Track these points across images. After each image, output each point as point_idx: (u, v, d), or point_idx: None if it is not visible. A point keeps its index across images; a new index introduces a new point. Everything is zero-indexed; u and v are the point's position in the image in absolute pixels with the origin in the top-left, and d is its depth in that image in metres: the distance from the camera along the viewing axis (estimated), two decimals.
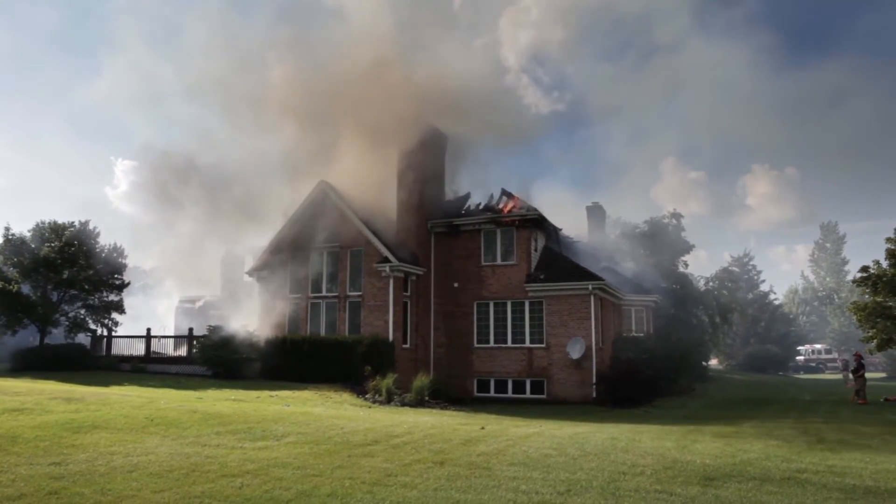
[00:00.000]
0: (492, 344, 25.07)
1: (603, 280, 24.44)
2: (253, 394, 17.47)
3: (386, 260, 23.56)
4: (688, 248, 38.23)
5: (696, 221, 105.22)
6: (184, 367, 23.51)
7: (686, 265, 38.97)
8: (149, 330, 25.87)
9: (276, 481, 6.98)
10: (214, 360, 21.97)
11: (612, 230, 38.36)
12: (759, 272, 58.01)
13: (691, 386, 30.09)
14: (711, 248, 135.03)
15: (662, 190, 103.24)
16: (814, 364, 55.55)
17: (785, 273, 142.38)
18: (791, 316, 62.30)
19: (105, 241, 27.94)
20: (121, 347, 26.10)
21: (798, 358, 55.63)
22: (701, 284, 40.92)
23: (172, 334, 29.54)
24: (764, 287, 58.25)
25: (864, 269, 23.24)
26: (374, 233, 24.19)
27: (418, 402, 19.25)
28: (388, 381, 19.51)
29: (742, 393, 29.24)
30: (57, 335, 26.67)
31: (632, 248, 35.22)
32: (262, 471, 7.47)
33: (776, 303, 60.01)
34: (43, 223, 26.43)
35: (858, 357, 23.23)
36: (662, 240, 35.82)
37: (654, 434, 11.60)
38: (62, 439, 8.82)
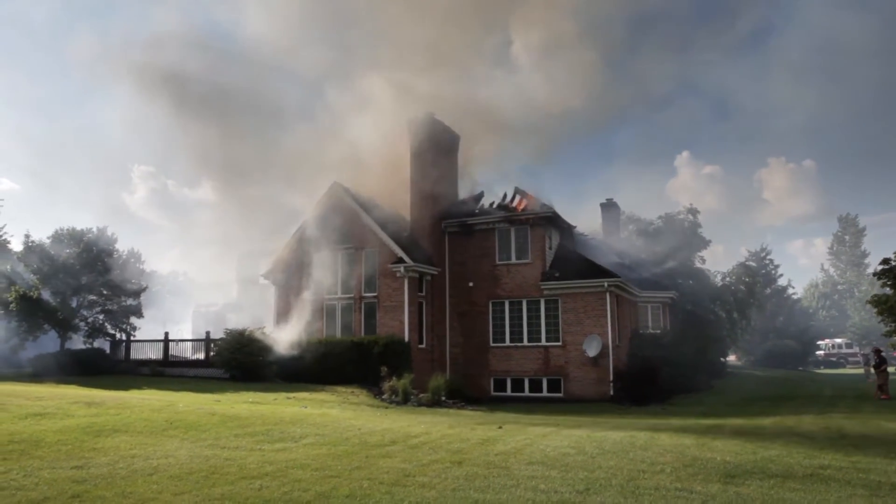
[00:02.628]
0: (507, 343, 25.01)
1: (618, 277, 24.30)
2: (270, 396, 17.56)
3: (400, 260, 23.58)
4: (704, 244, 37.94)
5: (712, 217, 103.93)
6: (201, 371, 23.66)
7: (703, 261, 38.70)
8: (167, 334, 26.11)
9: (294, 483, 7.00)
10: (232, 362, 22.09)
11: (626, 227, 38.19)
12: (777, 266, 57.34)
13: (709, 382, 29.86)
14: (728, 244, 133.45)
15: (677, 185, 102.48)
16: (834, 359, 54.82)
17: (804, 267, 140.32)
18: (810, 310, 61.59)
19: (123, 246, 28.32)
20: (139, 351, 26.38)
21: (818, 353, 54.93)
22: (718, 280, 40.57)
23: (190, 338, 29.78)
24: (782, 281, 57.66)
25: (885, 261, 22.80)
26: (388, 234, 24.21)
27: (435, 403, 19.27)
28: (405, 381, 19.55)
29: (761, 389, 28.95)
30: (76, 340, 26.99)
31: (647, 244, 35.03)
32: (280, 472, 7.49)
33: (795, 297, 59.33)
34: (62, 230, 26.79)
35: (878, 352, 22.91)
36: (678, 236, 35.61)
37: (672, 431, 11.48)
38: (84, 443, 8.92)
